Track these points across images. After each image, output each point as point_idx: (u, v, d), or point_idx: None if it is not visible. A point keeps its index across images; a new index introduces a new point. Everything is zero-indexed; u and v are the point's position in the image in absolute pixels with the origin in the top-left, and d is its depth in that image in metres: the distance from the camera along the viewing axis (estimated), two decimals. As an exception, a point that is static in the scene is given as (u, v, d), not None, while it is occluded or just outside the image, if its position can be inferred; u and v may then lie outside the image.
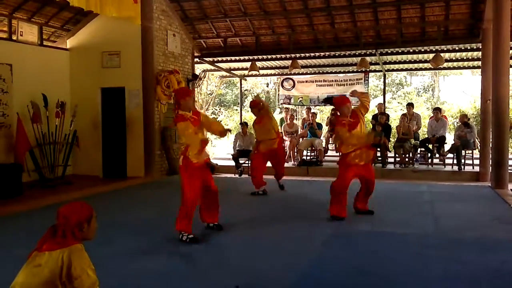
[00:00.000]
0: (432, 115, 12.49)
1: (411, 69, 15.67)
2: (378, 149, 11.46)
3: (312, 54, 12.80)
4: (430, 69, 15.06)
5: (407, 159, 11.40)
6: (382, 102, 14.49)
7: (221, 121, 22.00)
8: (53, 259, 2.43)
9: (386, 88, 15.60)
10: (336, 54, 12.71)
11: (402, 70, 15.82)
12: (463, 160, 10.79)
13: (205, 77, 16.56)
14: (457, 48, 11.68)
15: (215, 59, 13.53)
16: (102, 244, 4.68)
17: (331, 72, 14.99)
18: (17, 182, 7.70)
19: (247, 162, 11.45)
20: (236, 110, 21.84)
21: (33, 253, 2.50)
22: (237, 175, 11.21)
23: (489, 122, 9.48)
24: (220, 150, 18.61)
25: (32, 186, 8.51)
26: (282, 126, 13.29)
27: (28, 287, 2.40)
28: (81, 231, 2.57)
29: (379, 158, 11.55)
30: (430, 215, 6.22)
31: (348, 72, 14.77)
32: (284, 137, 12.95)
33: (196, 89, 13.11)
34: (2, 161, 8.34)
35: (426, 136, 11.88)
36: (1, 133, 8.61)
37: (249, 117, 20.04)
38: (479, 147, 10.92)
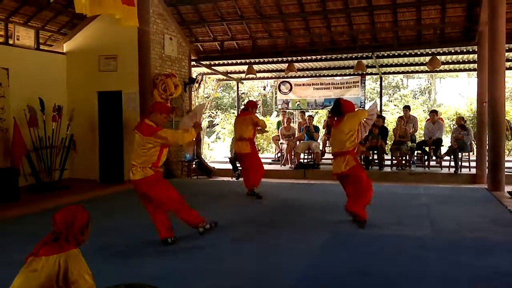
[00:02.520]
0: (428, 117, 12.53)
1: (407, 72, 15.72)
2: (375, 152, 11.50)
3: (309, 57, 12.83)
4: (426, 72, 15.11)
5: (404, 162, 11.43)
6: (378, 105, 14.51)
7: (216, 124, 22.00)
8: (49, 264, 2.43)
9: (383, 91, 15.62)
10: (333, 57, 12.73)
11: (398, 73, 15.87)
12: (459, 163, 10.82)
13: (202, 80, 16.56)
14: (453, 51, 11.72)
15: (212, 62, 13.54)
16: (101, 248, 4.69)
17: (328, 75, 15.03)
18: (14, 186, 7.68)
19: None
20: (233, 113, 21.83)
21: (29, 258, 2.50)
22: (234, 178, 11.20)
23: (486, 124, 9.52)
24: (217, 154, 18.61)
25: (29, 191, 8.49)
26: (279, 129, 13.34)
27: (25, 292, 2.40)
28: (83, 235, 2.59)
29: (376, 161, 11.59)
30: (427, 218, 6.23)
31: (345, 75, 14.80)
32: (281, 140, 13.00)
33: (193, 92, 13.11)
34: (-2, 166, 8.32)
35: (423, 138, 11.91)
36: (-3, 137, 8.59)
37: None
38: (475, 150, 10.95)
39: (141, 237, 5.35)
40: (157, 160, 4.94)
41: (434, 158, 11.58)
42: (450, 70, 15.17)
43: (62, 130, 9.34)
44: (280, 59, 13.00)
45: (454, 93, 26.03)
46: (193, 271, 4.11)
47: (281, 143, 13.09)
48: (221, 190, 8.99)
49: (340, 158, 5.71)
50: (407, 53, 12.05)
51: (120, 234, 5.51)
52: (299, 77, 15.03)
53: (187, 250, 4.80)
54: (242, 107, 8.46)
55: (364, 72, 13.66)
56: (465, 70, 14.79)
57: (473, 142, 11.29)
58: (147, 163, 4.87)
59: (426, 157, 11.54)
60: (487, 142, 9.36)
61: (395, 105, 23.51)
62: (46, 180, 9.00)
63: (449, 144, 11.43)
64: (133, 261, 4.45)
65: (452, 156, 10.89)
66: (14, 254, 4.30)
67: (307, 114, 13.73)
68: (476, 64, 11.04)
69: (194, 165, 11.97)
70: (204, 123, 20.87)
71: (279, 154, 13.50)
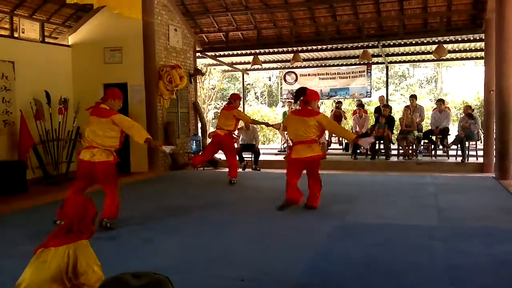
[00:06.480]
0: (435, 106, 12.46)
1: (413, 61, 15.66)
2: (382, 142, 11.45)
3: (314, 47, 12.77)
4: (432, 60, 14.98)
5: (410, 151, 11.38)
6: (384, 94, 14.44)
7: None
8: (59, 255, 2.44)
9: (389, 80, 15.51)
10: (338, 47, 12.67)
11: (404, 62, 15.79)
12: (467, 152, 10.77)
13: (207, 71, 16.53)
14: (460, 39, 11.61)
15: (217, 53, 13.51)
16: (107, 239, 4.72)
17: (334, 65, 14.96)
18: (21, 179, 7.74)
19: (250, 156, 11.48)
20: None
21: (39, 249, 2.52)
22: (240, 169, 11.20)
23: (493, 113, 9.45)
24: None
25: (36, 183, 8.55)
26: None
27: (35, 283, 2.41)
28: (93, 225, 2.62)
29: (383, 151, 11.55)
30: (434, 207, 6.21)
31: (351, 64, 14.73)
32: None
33: (198, 84, 13.08)
34: (6, 159, 8.37)
35: (430, 127, 11.84)
36: (4, 130, 8.62)
37: (252, 111, 20.05)
38: (482, 138, 10.89)
39: (147, 228, 5.38)
40: (118, 145, 5.45)
41: (441, 147, 11.52)
42: (456, 59, 15.04)
43: (69, 123, 9.37)
44: (285, 49, 12.94)
45: (461, 82, 25.82)
46: (200, 263, 4.12)
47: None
48: (226, 181, 8.98)
49: (304, 145, 5.88)
50: (413, 42, 11.96)
51: (126, 225, 5.53)
52: (304, 67, 14.97)
53: (194, 241, 4.82)
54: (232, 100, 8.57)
55: (370, 62, 13.59)
56: (472, 58, 14.66)
57: (480, 131, 11.23)
58: (112, 147, 5.34)
59: (433, 146, 11.49)
60: (494, 131, 9.30)
61: (401, 95, 23.43)
62: (53, 172, 9.06)
63: (456, 133, 11.37)
64: (140, 252, 4.47)
65: (459, 145, 10.83)
66: (22, 246, 4.34)
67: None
68: (483, 52, 10.94)
69: (200, 157, 11.96)
70: (210, 115, 20.87)
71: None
